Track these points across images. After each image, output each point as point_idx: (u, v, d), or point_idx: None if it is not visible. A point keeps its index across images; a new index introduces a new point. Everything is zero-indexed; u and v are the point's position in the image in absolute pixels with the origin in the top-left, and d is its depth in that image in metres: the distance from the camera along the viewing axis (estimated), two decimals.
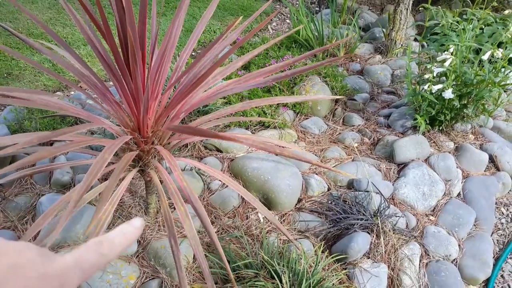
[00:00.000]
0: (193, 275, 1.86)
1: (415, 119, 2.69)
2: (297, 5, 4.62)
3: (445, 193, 2.43)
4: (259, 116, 2.69)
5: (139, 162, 1.83)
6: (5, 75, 3.24)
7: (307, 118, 2.91)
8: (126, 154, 1.59)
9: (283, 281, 1.69)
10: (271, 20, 4.56)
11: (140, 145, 1.77)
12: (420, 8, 3.18)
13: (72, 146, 1.45)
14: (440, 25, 2.78)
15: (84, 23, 1.80)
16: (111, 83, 3.31)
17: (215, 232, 2.03)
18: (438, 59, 2.55)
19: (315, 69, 3.18)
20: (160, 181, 1.81)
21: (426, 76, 2.53)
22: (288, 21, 4.57)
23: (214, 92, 1.86)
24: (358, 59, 3.61)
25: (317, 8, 4.70)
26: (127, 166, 1.53)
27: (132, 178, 2.07)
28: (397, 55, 3.59)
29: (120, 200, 1.95)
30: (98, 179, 2.17)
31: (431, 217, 2.32)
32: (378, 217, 2.09)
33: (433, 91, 2.49)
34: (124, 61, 1.55)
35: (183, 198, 1.53)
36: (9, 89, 1.73)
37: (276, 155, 2.46)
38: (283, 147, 1.77)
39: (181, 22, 1.86)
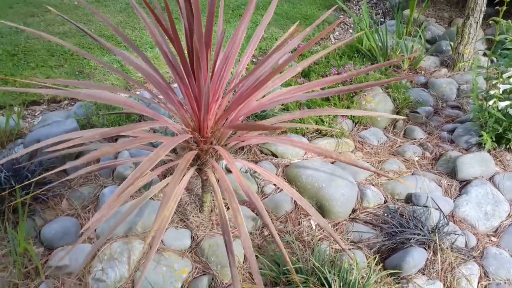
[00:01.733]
0: (243, 275, 1.88)
1: (481, 135, 2.57)
2: (360, 15, 4.57)
3: (509, 214, 2.30)
4: (316, 124, 2.68)
5: (198, 161, 1.88)
6: (77, 73, 3.44)
7: (366, 129, 2.86)
8: (187, 153, 1.65)
9: None
10: (334, 29, 4.54)
11: (200, 144, 1.82)
12: (490, 22, 3.05)
13: (136, 143, 1.52)
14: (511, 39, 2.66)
15: (153, 27, 1.89)
16: (175, 85, 3.44)
17: (267, 236, 2.05)
18: (505, 75, 2.43)
19: (376, 78, 3.13)
20: (216, 180, 1.85)
21: (492, 92, 2.42)
22: (351, 31, 4.54)
23: (274, 97, 1.88)
24: (423, 72, 3.50)
25: (382, 19, 4.62)
26: (188, 165, 1.58)
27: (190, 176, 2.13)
28: (464, 70, 3.46)
29: None
30: (157, 176, 2.25)
31: (492, 238, 2.20)
32: (436, 234, 2.01)
33: (500, 108, 2.37)
34: (190, 64, 1.61)
35: (240, 195, 1.56)
36: (83, 83, 1.84)
37: (333, 163, 2.44)
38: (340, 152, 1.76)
39: (245, 29, 1.91)
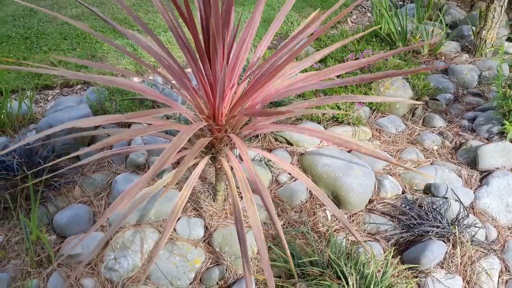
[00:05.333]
0: (257, 266, 1.85)
1: (503, 124, 2.48)
2: None
3: None
4: (332, 110, 2.60)
5: (212, 150, 1.84)
6: (90, 56, 3.40)
7: (383, 116, 2.79)
8: (200, 139, 1.60)
9: (350, 283, 1.63)
10: (351, 12, 4.42)
11: (214, 132, 1.77)
12: None
13: (150, 130, 1.48)
14: None
15: (165, 11, 1.82)
16: (188, 69, 3.38)
17: (281, 226, 2.00)
18: None
19: (395, 64, 3.04)
20: (230, 167, 1.81)
21: None
22: (369, 14, 4.42)
23: (291, 84, 1.81)
24: (443, 57, 3.39)
25: (401, 2, 4.49)
26: (200, 152, 1.53)
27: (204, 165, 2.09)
28: (486, 55, 3.34)
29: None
30: (171, 164, 2.22)
31: None
32: (456, 226, 1.95)
33: None
34: (205, 49, 1.55)
35: (251, 186, 1.52)
36: (97, 65, 1.79)
37: (349, 151, 2.38)
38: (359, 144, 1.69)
39: (260, 14, 1.84)
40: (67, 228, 1.91)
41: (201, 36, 1.55)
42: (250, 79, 2.04)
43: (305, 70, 2.89)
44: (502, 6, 3.13)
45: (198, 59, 1.62)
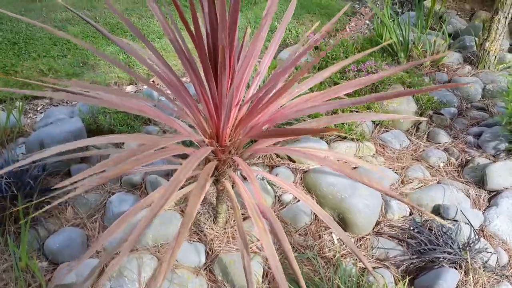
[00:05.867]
0: None
1: (510, 141, 2.42)
2: (379, 6, 4.37)
3: None
4: (339, 129, 2.51)
5: (215, 172, 1.73)
6: (81, 64, 3.27)
7: (387, 131, 2.70)
8: (206, 166, 1.50)
9: None
10: (349, 19, 4.34)
11: (218, 154, 1.66)
12: None
13: (157, 157, 1.37)
14: None
15: (164, 20, 1.71)
16: (183, 78, 3.27)
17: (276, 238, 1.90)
18: None
19: (397, 76, 2.96)
20: (234, 189, 1.71)
21: None
22: (367, 21, 4.34)
23: (299, 103, 1.72)
24: (446, 69, 3.33)
25: (399, 10, 4.42)
26: (209, 178, 1.43)
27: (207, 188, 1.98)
28: (489, 67, 3.28)
29: None
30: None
31: None
32: (468, 252, 1.88)
33: None
34: (212, 68, 1.45)
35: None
36: (88, 86, 1.68)
37: (355, 168, 2.28)
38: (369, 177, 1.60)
39: (265, 34, 1.75)
40: (60, 253, 1.80)
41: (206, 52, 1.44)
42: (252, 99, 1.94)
43: (311, 89, 2.81)
44: (506, 18, 3.07)
45: (204, 79, 1.52)
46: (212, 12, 1.32)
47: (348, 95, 2.02)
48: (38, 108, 2.83)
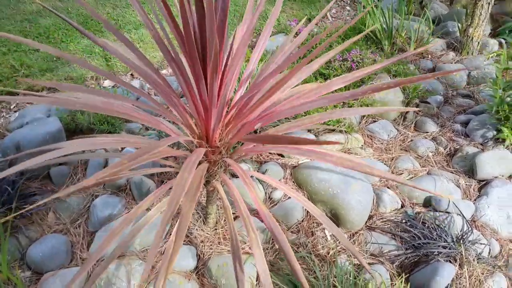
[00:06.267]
0: None
1: (498, 130, 2.41)
2: None
3: None
4: (331, 126, 2.46)
5: (205, 173, 1.66)
6: (55, 58, 3.12)
7: (375, 121, 2.67)
8: (197, 168, 1.42)
9: None
10: (330, 7, 4.27)
11: (209, 156, 1.59)
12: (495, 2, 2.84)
13: (147, 159, 1.28)
14: None
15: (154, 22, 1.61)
16: (163, 71, 3.16)
17: (278, 251, 1.86)
18: None
19: (385, 67, 2.92)
20: (222, 184, 1.65)
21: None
22: (348, 8, 4.28)
23: (293, 100, 1.65)
24: (430, 56, 3.30)
25: None
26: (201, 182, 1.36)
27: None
28: (472, 53, 3.27)
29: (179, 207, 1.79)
30: (155, 181, 2.03)
31: None
32: (461, 244, 1.86)
33: None
34: (202, 67, 1.37)
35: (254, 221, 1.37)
36: (75, 87, 1.58)
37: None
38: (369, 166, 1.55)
39: (249, 36, 1.67)
40: (44, 263, 1.71)
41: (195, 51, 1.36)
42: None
43: (305, 81, 2.74)
44: (489, 3, 3.06)
45: (192, 78, 1.44)
46: (201, 12, 1.23)
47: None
48: (12, 106, 2.68)
